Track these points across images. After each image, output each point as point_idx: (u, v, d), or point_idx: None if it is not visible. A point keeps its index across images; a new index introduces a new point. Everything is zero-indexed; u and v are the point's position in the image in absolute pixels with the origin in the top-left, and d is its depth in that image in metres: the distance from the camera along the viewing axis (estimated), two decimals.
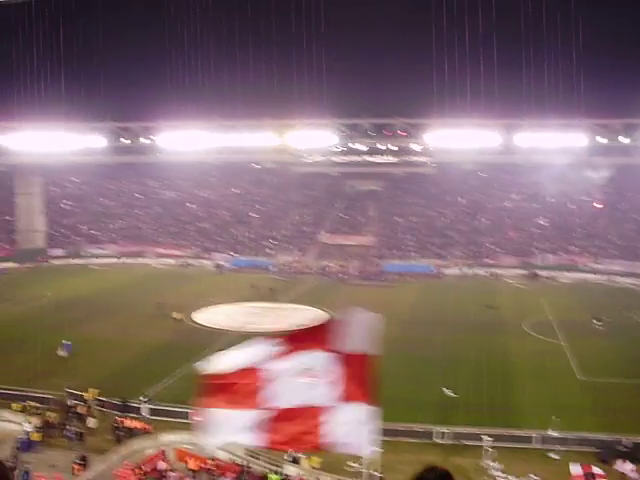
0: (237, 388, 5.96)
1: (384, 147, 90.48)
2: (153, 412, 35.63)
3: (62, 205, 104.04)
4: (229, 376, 6.20)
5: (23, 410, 35.76)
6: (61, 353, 44.94)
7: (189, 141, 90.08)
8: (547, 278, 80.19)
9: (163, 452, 30.30)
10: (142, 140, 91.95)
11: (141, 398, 36.43)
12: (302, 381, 6.04)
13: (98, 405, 36.53)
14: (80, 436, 32.01)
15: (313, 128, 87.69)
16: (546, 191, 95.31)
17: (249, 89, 65.01)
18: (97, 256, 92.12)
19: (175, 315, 56.58)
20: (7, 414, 35.49)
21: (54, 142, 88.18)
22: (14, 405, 36.28)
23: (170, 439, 31.78)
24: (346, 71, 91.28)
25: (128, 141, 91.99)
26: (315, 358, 6.20)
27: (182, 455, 30.46)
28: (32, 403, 36.43)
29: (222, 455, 30.23)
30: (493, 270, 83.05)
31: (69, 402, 36.50)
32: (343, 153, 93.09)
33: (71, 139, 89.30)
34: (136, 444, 31.25)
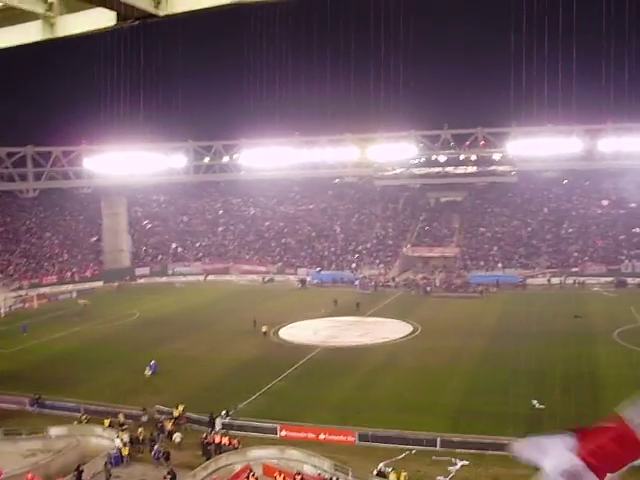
0: None
1: (465, 157, 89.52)
2: (239, 427, 35.87)
3: (146, 224, 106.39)
4: None
5: (113, 426, 36.52)
6: (148, 373, 45.65)
7: (270, 158, 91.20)
8: (638, 286, 77.33)
9: (250, 467, 30.42)
10: (224, 158, 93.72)
11: (222, 413, 36.73)
12: None
13: (186, 421, 37.00)
14: (167, 455, 32.39)
15: (393, 141, 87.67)
16: (631, 197, 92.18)
17: (329, 104, 65.26)
18: (182, 274, 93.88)
19: (264, 329, 56.98)
20: (99, 430, 36.37)
21: (138, 163, 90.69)
22: (105, 421, 37.11)
23: (257, 454, 31.89)
24: (425, 83, 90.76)
25: (209, 160, 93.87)
26: None
27: (270, 470, 30.52)
28: (122, 419, 37.16)
29: (308, 470, 30.18)
30: (580, 279, 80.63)
31: (157, 418, 37.13)
32: (424, 165, 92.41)
33: (154, 160, 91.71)
34: (224, 459, 31.48)
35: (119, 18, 7.77)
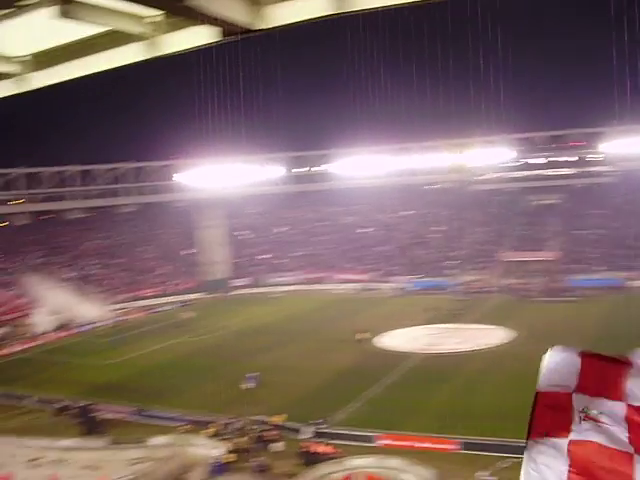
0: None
1: (561, 159, 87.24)
2: (336, 436, 35.72)
3: (242, 236, 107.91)
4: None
5: (213, 436, 37.00)
6: (246, 386, 45.65)
7: (366, 166, 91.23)
8: None
9: (349, 477, 30.17)
10: (319, 167, 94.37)
11: (318, 421, 36.69)
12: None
13: (285, 430, 37.10)
14: (265, 466, 32.45)
15: (488, 145, 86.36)
16: None
17: (422, 110, 64.80)
18: (278, 284, 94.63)
19: (359, 336, 56.84)
20: (200, 439, 36.93)
21: (233, 175, 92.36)
22: (204, 431, 37.65)
23: (357, 463, 31.65)
24: (519, 85, 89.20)
25: (304, 169, 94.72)
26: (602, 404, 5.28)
27: None
28: (222, 429, 37.60)
29: (410, 479, 29.74)
30: None
31: (256, 427, 37.36)
32: (520, 168, 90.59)
33: (249, 171, 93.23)
34: (323, 469, 31.37)
35: (223, 34, 7.77)
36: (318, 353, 54.79)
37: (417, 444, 34.11)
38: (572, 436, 4.08)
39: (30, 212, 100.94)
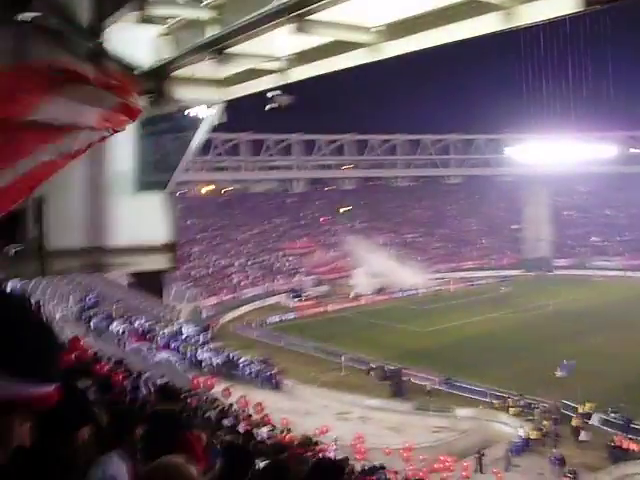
0: None
1: None
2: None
3: (568, 215, 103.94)
4: None
5: (518, 415, 36.58)
6: (559, 374, 44.18)
7: None
8: None
9: None
10: None
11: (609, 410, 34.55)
12: None
13: (592, 420, 35.48)
14: (561, 458, 31.25)
15: None
16: None
17: None
18: (602, 268, 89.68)
19: None
20: (504, 417, 36.82)
21: (561, 152, 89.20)
22: (511, 409, 37.37)
23: None
24: None
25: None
26: None
27: None
28: (526, 410, 37.05)
29: None
30: None
31: (563, 413, 36.22)
32: None
33: (579, 149, 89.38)
34: (630, 467, 29.56)
35: (586, 3, 7.49)
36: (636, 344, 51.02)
37: None
38: None
39: (359, 178, 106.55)
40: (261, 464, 6.28)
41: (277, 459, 8.62)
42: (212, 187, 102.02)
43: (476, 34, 8.87)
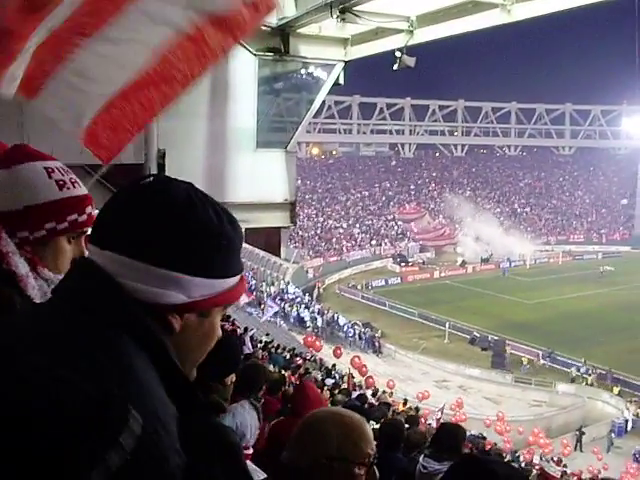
0: None
1: None
2: None
3: None
4: None
5: (622, 395, 35.40)
6: None
7: None
8: None
9: None
10: None
11: None
12: None
13: None
14: None
15: None
16: None
17: None
18: None
19: None
20: (606, 395, 35.74)
21: None
22: (614, 388, 36.20)
23: None
24: None
25: None
26: None
27: None
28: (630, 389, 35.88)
29: None
30: None
31: None
32: None
33: None
34: None
35: None
36: None
37: None
38: None
39: (469, 145, 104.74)
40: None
41: (392, 419, 8.55)
42: (322, 148, 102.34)
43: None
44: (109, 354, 1.08)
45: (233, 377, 3.81)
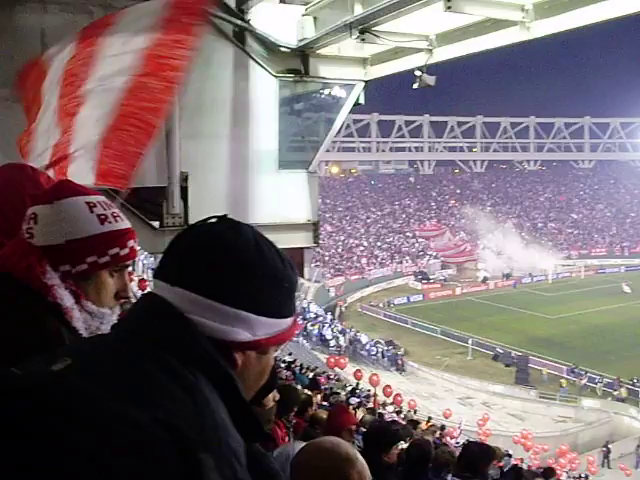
0: None
1: None
2: None
3: None
4: None
5: None
6: None
7: None
8: None
9: None
10: None
11: None
12: None
13: None
14: None
15: None
16: None
17: None
18: None
19: None
20: (634, 410, 35.24)
21: None
22: None
23: None
24: None
25: None
26: None
27: None
28: None
29: None
30: None
31: None
32: None
33: None
34: None
35: None
36: None
37: None
38: None
39: (488, 160, 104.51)
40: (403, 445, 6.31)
41: (419, 439, 8.53)
42: (342, 167, 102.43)
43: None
44: (190, 393, 1.10)
45: (277, 395, 3.75)
